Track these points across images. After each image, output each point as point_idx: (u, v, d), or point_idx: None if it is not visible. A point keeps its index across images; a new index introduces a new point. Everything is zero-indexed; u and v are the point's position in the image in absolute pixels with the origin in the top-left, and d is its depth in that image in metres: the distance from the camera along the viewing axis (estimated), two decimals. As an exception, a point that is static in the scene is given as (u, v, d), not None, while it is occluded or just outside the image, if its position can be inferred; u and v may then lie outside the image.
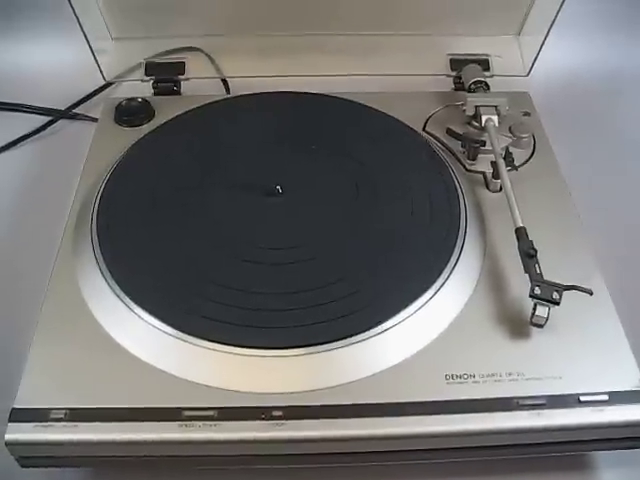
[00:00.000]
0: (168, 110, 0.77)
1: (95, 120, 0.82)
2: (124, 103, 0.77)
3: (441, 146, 0.73)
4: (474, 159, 0.71)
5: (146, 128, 0.75)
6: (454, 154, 0.72)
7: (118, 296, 0.57)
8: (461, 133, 0.71)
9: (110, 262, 0.59)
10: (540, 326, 0.56)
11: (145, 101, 0.78)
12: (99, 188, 0.67)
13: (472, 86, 0.75)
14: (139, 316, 0.56)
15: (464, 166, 0.71)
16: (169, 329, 0.55)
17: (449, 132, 0.71)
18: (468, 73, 0.78)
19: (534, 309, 0.56)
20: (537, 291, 0.55)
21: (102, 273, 0.59)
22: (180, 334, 0.55)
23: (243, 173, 0.69)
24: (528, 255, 0.58)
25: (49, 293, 0.59)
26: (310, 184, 0.68)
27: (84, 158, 0.73)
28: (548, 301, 0.55)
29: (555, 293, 0.55)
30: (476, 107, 0.71)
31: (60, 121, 0.88)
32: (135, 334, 0.56)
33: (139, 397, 0.52)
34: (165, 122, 0.75)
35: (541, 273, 0.57)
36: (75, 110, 0.89)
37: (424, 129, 0.75)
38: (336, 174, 0.69)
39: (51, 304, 0.58)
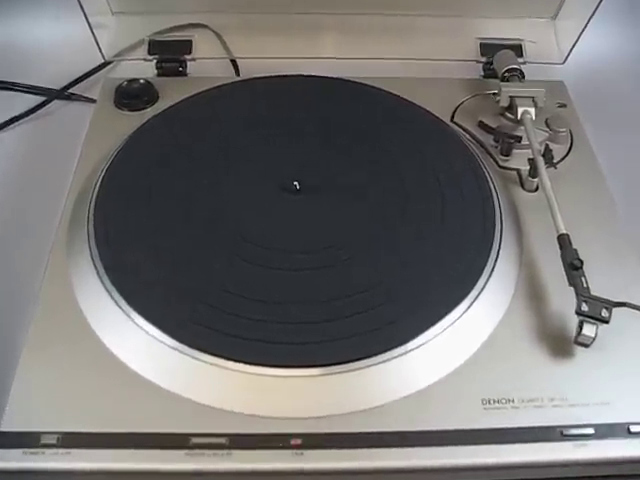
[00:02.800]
0: (173, 93, 0.71)
1: (93, 101, 0.76)
2: (125, 84, 0.71)
3: (471, 139, 0.67)
4: (507, 155, 0.65)
5: (149, 112, 0.69)
6: (485, 148, 0.66)
7: (118, 304, 0.51)
8: (494, 127, 0.65)
9: (109, 267, 0.53)
10: (586, 346, 0.50)
11: (148, 83, 0.72)
12: (96, 180, 0.61)
13: (506, 74, 0.69)
14: (141, 327, 0.50)
15: (497, 162, 0.65)
16: (175, 343, 0.49)
17: (481, 125, 0.65)
18: (501, 60, 0.71)
19: (580, 327, 0.50)
20: (584, 308, 0.50)
21: (100, 279, 0.53)
22: (187, 349, 0.49)
23: (256, 166, 0.63)
24: (573, 267, 0.52)
25: (40, 299, 0.53)
26: (330, 180, 0.62)
27: (80, 142, 0.67)
28: (596, 319, 0.50)
29: (604, 310, 0.50)
30: (511, 98, 0.65)
31: (55, 101, 0.82)
32: (137, 348, 0.50)
33: (140, 420, 0.47)
34: (170, 106, 0.68)
35: (588, 287, 0.51)
36: (71, 90, 0.82)
37: (452, 120, 0.69)
38: (359, 169, 0.63)
39: (43, 312, 0.52)
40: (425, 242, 0.57)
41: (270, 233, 0.57)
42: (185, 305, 0.51)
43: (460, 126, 0.68)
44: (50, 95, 0.81)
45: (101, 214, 0.57)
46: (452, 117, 0.69)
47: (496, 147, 0.66)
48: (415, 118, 0.67)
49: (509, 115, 0.66)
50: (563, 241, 0.54)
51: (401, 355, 0.50)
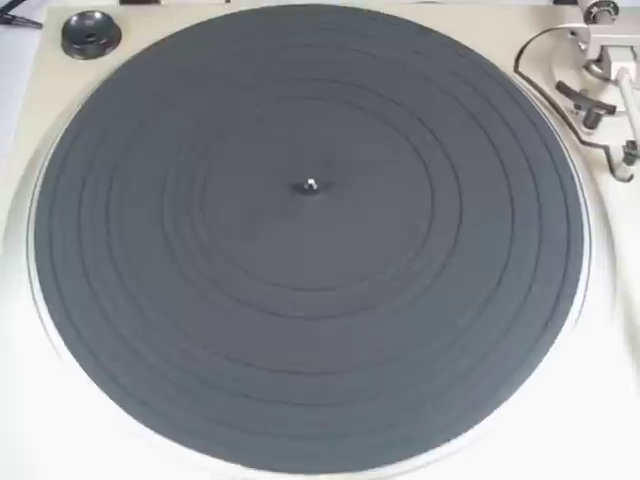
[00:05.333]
0: (140, 30, 0.54)
1: (39, 26, 0.60)
2: (74, 21, 0.53)
3: (541, 98, 0.50)
4: (593, 127, 0.48)
5: (108, 60, 0.51)
6: (562, 115, 0.49)
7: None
8: (579, 92, 0.48)
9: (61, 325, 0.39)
10: None
11: (106, 17, 0.53)
12: (38, 173, 0.44)
13: (593, 9, 0.50)
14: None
15: (578, 136, 0.48)
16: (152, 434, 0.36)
17: (562, 89, 0.48)
18: None
19: None
20: None
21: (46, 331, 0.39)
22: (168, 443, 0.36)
23: (255, 155, 0.46)
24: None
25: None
26: (358, 169, 0.45)
27: (24, 87, 0.52)
28: None
29: None
30: (602, 47, 0.48)
31: (-7, 26, 0.64)
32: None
33: None
34: (139, 53, 0.51)
35: None
36: (12, 12, 0.64)
37: (516, 70, 0.51)
38: (395, 152, 0.46)
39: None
40: (485, 271, 0.41)
41: (274, 262, 0.42)
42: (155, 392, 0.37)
43: (527, 79, 0.51)
44: (-15, 18, 0.63)
45: (43, 232, 0.42)
46: (516, 65, 0.52)
47: (576, 113, 0.49)
48: (465, 68, 0.50)
49: (596, 69, 0.49)
50: None
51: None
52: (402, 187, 0.45)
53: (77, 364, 0.38)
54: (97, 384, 0.37)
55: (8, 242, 0.43)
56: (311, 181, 0.43)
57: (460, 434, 0.36)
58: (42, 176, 0.44)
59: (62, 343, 0.38)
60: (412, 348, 0.38)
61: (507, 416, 0.37)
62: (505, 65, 0.51)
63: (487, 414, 0.37)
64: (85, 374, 0.37)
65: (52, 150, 0.45)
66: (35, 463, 0.36)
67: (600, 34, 0.48)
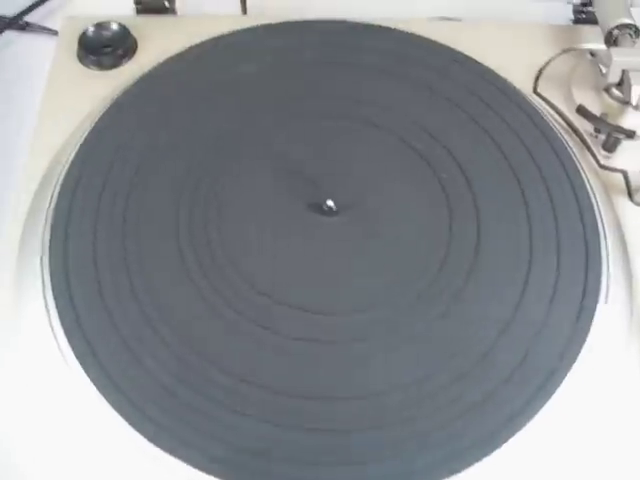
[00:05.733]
0: (156, 41, 0.53)
1: (53, 33, 0.60)
2: (90, 32, 0.52)
3: (560, 120, 0.50)
4: (612, 151, 0.48)
5: (124, 72, 0.51)
6: (581, 137, 0.49)
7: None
8: (599, 116, 0.47)
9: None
10: None
11: (122, 28, 0.53)
12: (53, 188, 0.44)
13: (615, 31, 0.50)
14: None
15: (597, 160, 0.48)
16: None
17: (582, 112, 0.47)
18: (608, 6, 0.51)
19: None
20: None
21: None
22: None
23: (272, 174, 0.46)
24: None
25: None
26: (376, 190, 0.45)
27: (40, 90, 0.51)
28: None
29: None
30: (623, 71, 0.47)
31: (7, 32, 0.64)
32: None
33: None
34: (154, 69, 0.50)
35: None
36: (27, 18, 0.64)
37: (535, 91, 0.51)
38: (412, 173, 0.46)
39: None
40: (506, 298, 0.41)
41: (295, 286, 0.41)
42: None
43: (546, 100, 0.50)
44: (1, 24, 0.63)
45: (58, 247, 0.41)
46: (535, 86, 0.51)
47: (595, 136, 0.48)
48: (481, 88, 0.49)
49: (617, 92, 0.48)
50: None
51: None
52: (420, 207, 0.45)
53: (84, 373, 0.37)
54: (104, 395, 0.37)
55: (23, 257, 0.43)
56: (330, 202, 0.43)
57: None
58: (58, 189, 0.44)
59: (70, 348, 0.38)
60: (425, 377, 0.38)
61: (517, 449, 0.37)
62: (523, 85, 0.51)
63: (496, 447, 0.36)
64: (94, 387, 0.37)
65: (69, 162, 0.45)
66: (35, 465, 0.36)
67: (622, 57, 0.47)
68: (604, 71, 0.48)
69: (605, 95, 0.49)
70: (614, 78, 0.47)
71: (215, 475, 0.35)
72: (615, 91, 0.49)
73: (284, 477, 0.35)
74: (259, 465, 0.35)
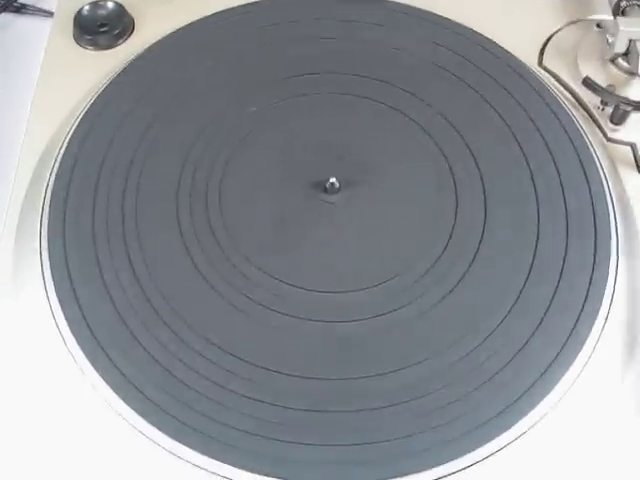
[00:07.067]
0: (154, 19, 0.52)
1: (49, 14, 0.59)
2: (86, 11, 0.51)
3: (566, 93, 0.49)
4: (619, 123, 0.47)
5: (121, 52, 0.50)
6: (587, 110, 0.48)
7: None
8: (606, 88, 0.46)
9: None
10: None
11: (118, 6, 0.52)
12: (52, 167, 0.43)
13: (623, 2, 0.48)
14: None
15: (604, 133, 0.47)
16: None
17: (588, 84, 0.46)
18: None
19: None
20: None
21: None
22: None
23: (274, 153, 0.45)
24: None
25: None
26: (380, 167, 0.44)
27: (36, 74, 0.50)
28: None
29: None
30: (630, 41, 0.46)
31: (3, 15, 0.63)
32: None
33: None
34: (150, 47, 0.49)
35: None
36: (21, 0, 0.62)
37: (540, 64, 0.50)
38: (416, 148, 0.45)
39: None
40: (509, 278, 0.40)
41: (297, 265, 0.41)
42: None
43: (552, 73, 0.49)
44: (-5, 6, 0.62)
45: (57, 226, 0.41)
46: (540, 59, 0.50)
47: (601, 109, 0.47)
48: (487, 63, 0.48)
49: (623, 63, 0.47)
50: None
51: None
52: (425, 184, 0.44)
53: (88, 361, 0.37)
54: (106, 382, 0.36)
55: (21, 234, 0.42)
56: (333, 179, 0.42)
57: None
58: (55, 170, 0.43)
59: (70, 333, 0.38)
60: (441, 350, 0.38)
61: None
62: (529, 58, 0.50)
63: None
64: (96, 372, 0.37)
65: (67, 139, 0.45)
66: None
67: (629, 27, 0.46)
68: (610, 41, 0.47)
69: (612, 67, 0.48)
70: (621, 48, 0.46)
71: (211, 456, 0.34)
72: (622, 62, 0.48)
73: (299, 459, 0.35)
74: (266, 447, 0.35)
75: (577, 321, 0.39)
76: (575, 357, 0.37)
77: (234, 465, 0.34)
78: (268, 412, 0.35)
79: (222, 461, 0.34)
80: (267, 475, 0.34)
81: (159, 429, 0.35)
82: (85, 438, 0.36)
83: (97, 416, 0.36)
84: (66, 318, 0.38)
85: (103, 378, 0.36)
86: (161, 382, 0.36)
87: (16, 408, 0.37)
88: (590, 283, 0.40)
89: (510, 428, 0.35)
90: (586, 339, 0.38)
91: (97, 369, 0.36)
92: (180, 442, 0.35)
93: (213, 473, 0.34)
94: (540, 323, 0.39)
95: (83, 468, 0.35)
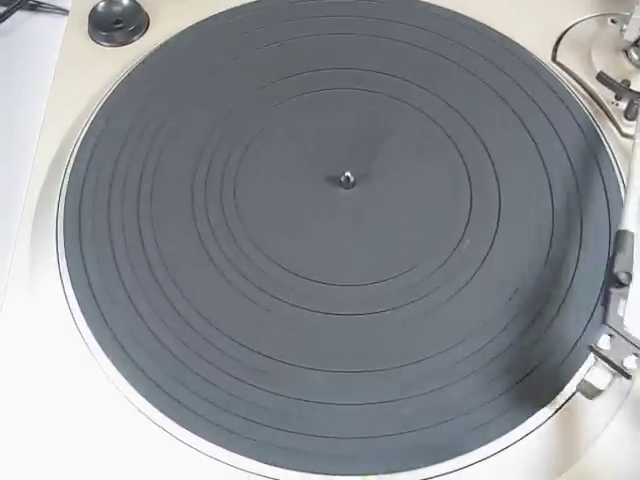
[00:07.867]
0: (170, 16, 0.52)
1: (65, 12, 0.59)
2: (100, 7, 0.52)
3: (580, 89, 0.49)
4: (633, 118, 0.46)
5: (136, 49, 0.50)
6: (602, 105, 0.48)
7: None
8: (620, 83, 0.46)
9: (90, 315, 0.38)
10: (587, 396, 0.35)
11: (134, 3, 0.52)
12: (67, 160, 0.44)
13: None
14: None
15: (618, 128, 0.47)
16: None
17: (603, 79, 0.46)
18: None
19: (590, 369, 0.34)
20: (604, 345, 0.34)
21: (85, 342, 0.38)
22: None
23: (289, 147, 0.45)
24: (616, 280, 0.36)
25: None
26: (395, 162, 0.44)
27: (51, 72, 0.51)
28: (615, 367, 0.33)
29: (632, 359, 0.33)
30: (643, 30, 0.46)
31: (18, 13, 0.63)
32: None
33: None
34: (166, 43, 0.49)
35: (622, 317, 0.35)
36: (38, -3, 0.63)
37: (554, 59, 0.50)
38: (431, 143, 0.45)
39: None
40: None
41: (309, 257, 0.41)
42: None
43: (566, 69, 0.49)
44: (11, 4, 0.62)
45: (73, 218, 0.41)
46: (554, 54, 0.50)
47: (616, 105, 0.47)
48: (500, 58, 0.49)
49: (635, 55, 0.47)
50: (621, 240, 0.37)
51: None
52: (439, 180, 0.44)
53: (102, 350, 0.37)
54: (117, 367, 0.37)
55: (37, 228, 0.43)
56: (348, 173, 0.42)
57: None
58: (72, 163, 0.44)
59: (85, 324, 0.38)
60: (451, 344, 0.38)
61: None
62: (543, 54, 0.50)
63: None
64: (108, 359, 0.37)
65: (81, 138, 0.45)
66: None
67: (641, 15, 0.46)
68: (624, 28, 0.47)
69: (626, 62, 0.48)
70: (631, 35, 0.46)
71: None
72: (635, 55, 0.48)
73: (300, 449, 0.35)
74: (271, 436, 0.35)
75: (587, 323, 0.39)
76: (584, 358, 0.37)
77: (251, 457, 0.34)
78: (284, 404, 0.36)
79: (239, 453, 0.34)
80: (282, 467, 0.34)
81: (178, 423, 0.35)
82: (102, 430, 0.36)
83: (113, 407, 0.36)
84: (82, 311, 0.38)
85: (117, 368, 0.37)
86: (179, 376, 0.36)
87: (32, 400, 0.37)
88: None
89: (516, 427, 0.36)
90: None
91: (112, 361, 0.37)
92: (196, 434, 0.35)
93: (231, 466, 0.34)
94: (550, 324, 0.39)
95: (98, 457, 0.36)
